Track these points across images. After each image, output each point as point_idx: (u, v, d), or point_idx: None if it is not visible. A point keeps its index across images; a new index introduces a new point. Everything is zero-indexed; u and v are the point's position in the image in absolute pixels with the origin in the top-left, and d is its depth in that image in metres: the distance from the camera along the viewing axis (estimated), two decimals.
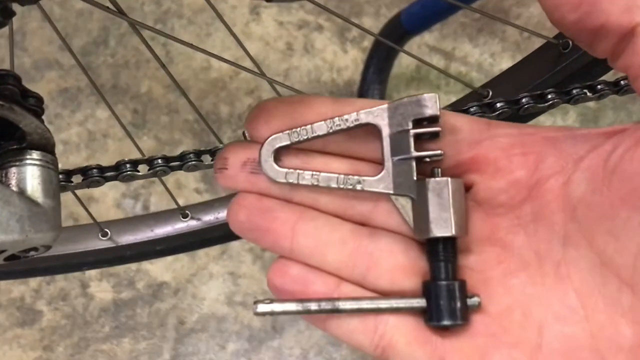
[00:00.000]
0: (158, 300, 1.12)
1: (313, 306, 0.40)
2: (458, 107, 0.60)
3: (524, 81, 0.67)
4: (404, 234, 0.42)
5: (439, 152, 0.40)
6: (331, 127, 0.41)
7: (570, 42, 0.64)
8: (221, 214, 0.73)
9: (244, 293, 1.11)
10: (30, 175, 0.40)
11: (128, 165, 0.52)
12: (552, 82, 0.65)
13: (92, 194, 1.15)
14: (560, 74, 0.65)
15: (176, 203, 0.72)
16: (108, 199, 1.17)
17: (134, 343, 1.10)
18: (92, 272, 1.13)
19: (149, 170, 0.53)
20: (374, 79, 1.18)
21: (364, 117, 0.41)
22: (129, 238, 0.72)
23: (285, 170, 0.41)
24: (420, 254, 0.42)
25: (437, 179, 0.40)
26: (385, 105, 0.41)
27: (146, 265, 1.14)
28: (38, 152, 0.41)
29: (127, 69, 1.27)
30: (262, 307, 0.40)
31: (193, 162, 0.53)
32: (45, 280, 1.12)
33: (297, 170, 0.41)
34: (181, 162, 0.54)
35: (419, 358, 0.40)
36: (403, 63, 1.24)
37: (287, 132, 0.41)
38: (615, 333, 0.37)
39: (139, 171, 0.53)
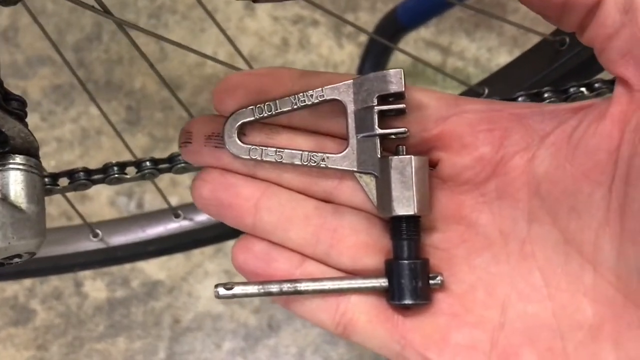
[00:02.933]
0: (153, 299, 1.11)
1: (274, 288, 0.40)
2: None
3: (521, 79, 0.66)
4: (368, 211, 0.42)
5: (403, 129, 0.40)
6: (296, 103, 0.40)
7: (568, 39, 0.63)
8: None
9: None
10: (13, 180, 0.39)
11: (115, 168, 0.52)
12: (549, 79, 0.64)
13: (85, 192, 1.14)
14: (557, 71, 0.64)
15: (168, 203, 0.71)
16: (102, 197, 1.16)
17: (128, 342, 1.09)
18: (86, 271, 1.12)
19: (137, 173, 0.53)
20: None
21: (329, 93, 0.40)
22: (120, 239, 0.71)
23: (249, 146, 0.41)
24: (383, 232, 0.41)
25: (401, 156, 0.39)
26: (351, 81, 0.40)
27: (141, 263, 1.13)
28: (21, 157, 0.40)
29: (120, 65, 1.26)
30: (223, 291, 0.40)
31: (182, 165, 0.52)
32: (39, 279, 1.12)
33: (261, 147, 0.41)
34: (170, 164, 0.53)
35: (380, 336, 0.40)
36: (399, 58, 1.23)
37: (252, 107, 0.41)
38: (576, 312, 0.37)
39: (126, 174, 0.52)
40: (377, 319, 0.40)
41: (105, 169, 0.52)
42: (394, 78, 0.39)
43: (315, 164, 0.41)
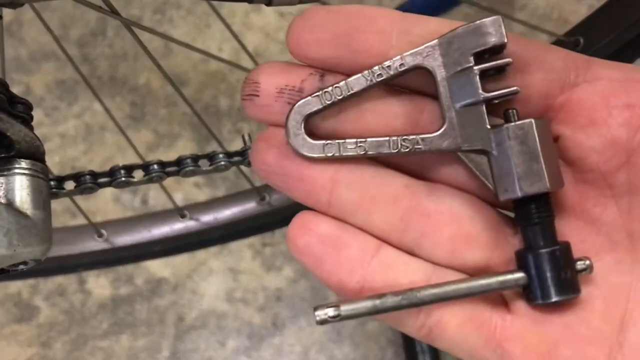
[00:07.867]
0: (157, 296, 1.10)
1: (390, 301, 0.33)
2: None
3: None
4: (472, 192, 0.35)
5: (514, 89, 0.32)
6: (371, 79, 0.33)
7: (582, 40, 0.62)
8: (220, 215, 0.71)
9: (244, 289, 1.09)
10: (19, 186, 0.39)
11: (122, 172, 0.51)
12: None
13: None
14: None
15: (174, 203, 0.70)
16: (106, 194, 1.15)
17: (132, 340, 1.09)
18: None
19: (144, 176, 0.52)
20: None
21: (410, 60, 0.33)
22: (125, 239, 0.71)
23: (322, 142, 0.33)
24: (490, 221, 0.34)
25: (518, 122, 0.32)
26: (436, 42, 0.33)
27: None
28: (27, 161, 0.39)
29: (125, 61, 1.25)
30: (325, 315, 0.32)
31: (190, 168, 0.51)
32: None
33: (337, 141, 0.33)
34: (178, 167, 0.52)
35: (472, 343, 0.33)
36: None
37: (317, 93, 0.33)
38: None
39: (133, 177, 0.52)
40: (470, 323, 0.33)
41: (112, 172, 0.51)
42: (492, 28, 0.32)
43: (408, 149, 0.33)
